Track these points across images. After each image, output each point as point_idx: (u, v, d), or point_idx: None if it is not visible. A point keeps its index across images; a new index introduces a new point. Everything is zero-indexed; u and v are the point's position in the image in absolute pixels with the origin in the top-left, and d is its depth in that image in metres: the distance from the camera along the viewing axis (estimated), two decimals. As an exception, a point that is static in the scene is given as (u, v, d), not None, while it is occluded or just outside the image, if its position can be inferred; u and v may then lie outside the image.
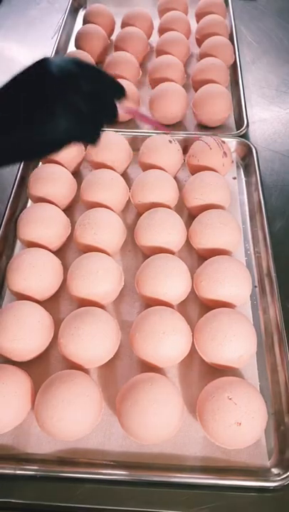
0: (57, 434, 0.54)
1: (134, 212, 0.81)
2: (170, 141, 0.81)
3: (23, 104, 0.45)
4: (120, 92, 0.53)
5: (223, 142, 0.81)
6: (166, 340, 0.58)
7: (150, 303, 0.65)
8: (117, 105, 0.53)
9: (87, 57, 1.02)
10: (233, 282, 0.64)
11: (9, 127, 0.45)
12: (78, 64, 0.49)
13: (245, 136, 0.90)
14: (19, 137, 0.46)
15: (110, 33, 1.15)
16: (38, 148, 0.49)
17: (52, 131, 0.46)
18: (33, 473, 0.53)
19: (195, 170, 0.81)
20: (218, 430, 0.53)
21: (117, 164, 0.81)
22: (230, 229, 0.70)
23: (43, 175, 0.77)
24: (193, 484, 0.53)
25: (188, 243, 0.73)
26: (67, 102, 0.46)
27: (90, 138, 0.53)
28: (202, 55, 1.03)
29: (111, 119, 0.53)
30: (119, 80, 0.89)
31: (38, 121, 0.45)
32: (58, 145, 0.49)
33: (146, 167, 0.81)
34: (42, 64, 0.46)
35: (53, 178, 0.76)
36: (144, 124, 0.92)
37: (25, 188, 0.81)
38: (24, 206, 0.81)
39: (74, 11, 1.26)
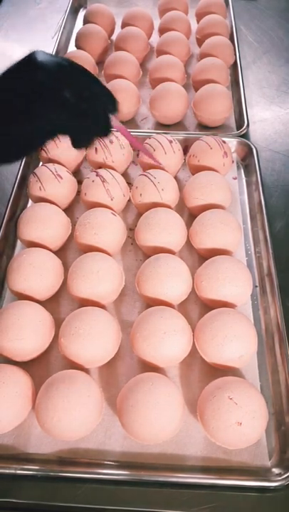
0: (57, 434, 0.54)
1: (135, 212, 0.81)
2: (170, 141, 0.81)
3: (14, 97, 0.45)
4: (114, 105, 0.51)
5: (224, 142, 0.81)
6: (167, 340, 0.58)
7: (151, 303, 0.65)
8: (112, 120, 0.51)
9: (88, 57, 1.02)
10: (233, 282, 0.64)
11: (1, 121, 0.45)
12: (70, 63, 0.48)
13: (245, 136, 0.90)
14: (10, 130, 0.46)
15: (110, 33, 1.15)
16: (27, 139, 0.48)
17: (41, 122, 0.46)
18: (33, 473, 0.53)
19: (195, 170, 0.81)
20: (219, 430, 0.53)
21: (117, 164, 0.81)
22: (230, 229, 0.70)
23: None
24: (194, 484, 0.53)
25: (188, 243, 0.73)
26: (57, 94, 0.45)
27: (78, 138, 0.51)
28: (202, 55, 1.03)
29: (102, 130, 0.51)
30: (119, 81, 0.92)
31: (29, 111, 0.45)
32: (44, 136, 0.48)
33: (147, 167, 0.81)
34: (32, 56, 0.45)
35: (53, 177, 0.76)
36: (134, 148, 0.84)
37: (26, 188, 0.81)
38: (24, 206, 0.81)
39: (74, 11, 1.26)
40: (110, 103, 0.51)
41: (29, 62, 0.45)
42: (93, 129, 0.51)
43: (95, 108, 0.49)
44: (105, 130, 0.51)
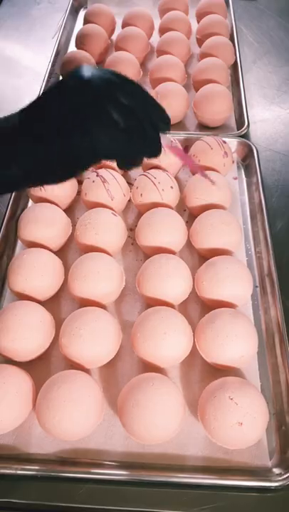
0: (58, 434, 0.54)
1: (135, 212, 0.81)
2: (171, 141, 0.80)
3: (58, 116, 0.42)
4: (166, 123, 0.47)
5: (224, 142, 0.81)
6: (168, 341, 0.58)
7: (151, 303, 0.65)
8: (161, 138, 0.46)
9: (88, 58, 1.02)
10: (234, 282, 0.64)
11: (42, 139, 0.43)
12: (117, 75, 0.44)
13: (246, 136, 0.90)
14: (50, 151, 0.43)
15: (111, 33, 1.15)
16: (68, 165, 0.45)
17: (85, 144, 0.42)
18: (34, 473, 0.53)
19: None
20: (220, 430, 0.53)
21: (117, 164, 0.81)
22: (231, 229, 0.70)
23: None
24: (194, 484, 0.53)
25: (189, 243, 0.73)
26: (103, 113, 0.42)
27: (126, 160, 0.47)
28: (203, 55, 1.02)
29: (152, 150, 0.47)
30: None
31: (72, 134, 0.42)
32: (89, 160, 0.45)
33: (147, 167, 0.81)
34: (78, 71, 0.43)
35: (53, 178, 0.76)
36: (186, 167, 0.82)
37: (26, 188, 0.81)
38: (25, 206, 0.81)
39: (74, 11, 1.26)
40: (161, 120, 0.47)
41: (75, 77, 0.43)
42: (142, 150, 0.47)
43: (144, 128, 0.45)
44: (155, 150, 0.47)
